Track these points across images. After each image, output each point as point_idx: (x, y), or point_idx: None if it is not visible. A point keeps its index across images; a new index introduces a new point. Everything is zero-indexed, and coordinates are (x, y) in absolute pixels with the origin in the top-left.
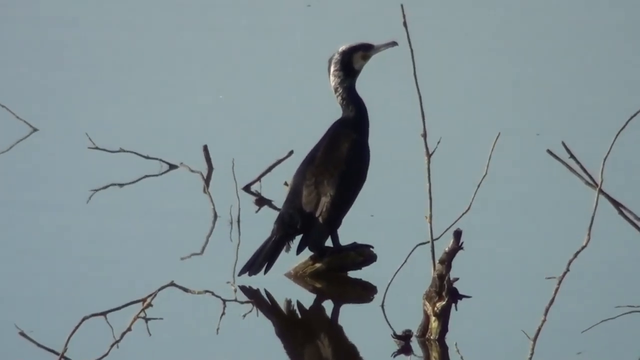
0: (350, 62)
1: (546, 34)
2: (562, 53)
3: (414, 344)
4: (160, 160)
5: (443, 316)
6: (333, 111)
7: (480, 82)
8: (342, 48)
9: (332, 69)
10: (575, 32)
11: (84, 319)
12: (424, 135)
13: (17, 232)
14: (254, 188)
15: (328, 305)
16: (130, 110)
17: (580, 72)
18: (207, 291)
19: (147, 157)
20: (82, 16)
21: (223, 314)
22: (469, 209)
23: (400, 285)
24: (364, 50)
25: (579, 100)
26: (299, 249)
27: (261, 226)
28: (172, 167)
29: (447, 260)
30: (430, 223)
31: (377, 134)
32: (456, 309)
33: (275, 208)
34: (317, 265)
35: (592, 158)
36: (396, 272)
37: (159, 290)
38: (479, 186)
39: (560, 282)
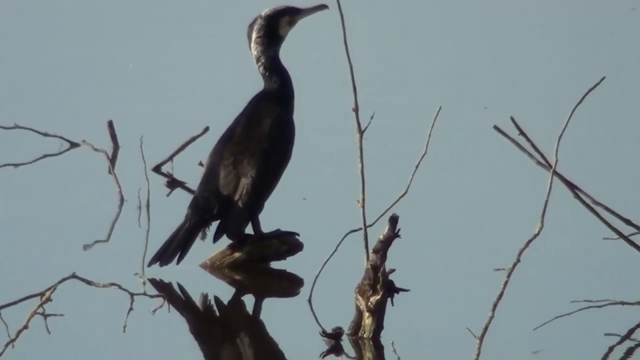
0: (276, 28)
1: (496, 4)
2: (518, 26)
3: (345, 342)
4: (60, 137)
5: (378, 312)
6: (254, 82)
7: (421, 53)
8: (265, 12)
9: (254, 35)
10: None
11: None
12: (356, 110)
13: None
14: (165, 168)
15: (249, 300)
16: (26, 83)
17: (534, 46)
18: (112, 284)
19: (46, 135)
20: None
21: (131, 309)
22: (406, 192)
23: (330, 278)
24: (291, 15)
25: (530, 74)
26: (216, 237)
27: (173, 211)
28: (73, 145)
29: (382, 249)
30: (363, 208)
31: (304, 109)
32: (392, 304)
33: (189, 191)
34: (237, 254)
35: (546, 136)
36: (325, 263)
37: (59, 282)
38: (417, 167)
39: (509, 274)
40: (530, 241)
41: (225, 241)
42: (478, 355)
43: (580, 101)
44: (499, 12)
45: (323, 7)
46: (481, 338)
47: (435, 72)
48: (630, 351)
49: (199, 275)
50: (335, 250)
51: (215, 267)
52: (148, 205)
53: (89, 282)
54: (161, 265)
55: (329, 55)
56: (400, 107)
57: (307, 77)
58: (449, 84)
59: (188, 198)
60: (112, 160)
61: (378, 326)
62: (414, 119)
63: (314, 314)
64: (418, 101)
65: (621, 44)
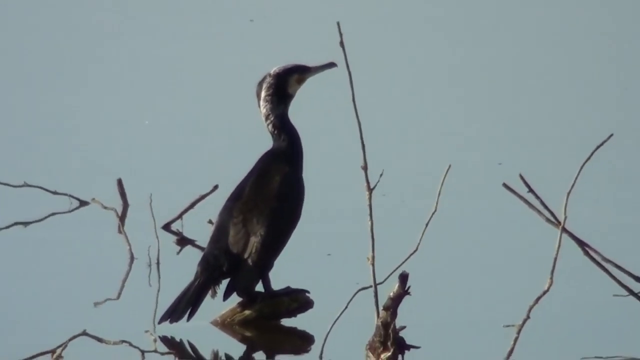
0: (285, 86)
1: (505, 61)
2: (525, 81)
3: None
4: (70, 195)
5: None
6: (263, 141)
7: (431, 110)
8: (275, 70)
9: (263, 93)
10: (541, 59)
11: None
12: (365, 168)
13: None
14: (174, 226)
15: (260, 357)
16: (35, 140)
17: (543, 102)
18: (123, 341)
19: (55, 193)
20: None
21: None
22: (416, 249)
23: (341, 335)
24: (300, 73)
25: (540, 130)
26: (226, 295)
27: (183, 269)
28: (82, 203)
29: (393, 306)
30: (373, 265)
31: (312, 167)
32: None
33: (199, 248)
34: (247, 312)
35: (554, 192)
36: (336, 320)
37: (70, 340)
38: (427, 224)
39: (519, 330)
40: (539, 297)
41: (235, 299)
42: None
43: (589, 158)
44: (510, 66)
45: (332, 65)
46: None
47: (448, 126)
48: None
49: (210, 332)
50: (346, 307)
51: (225, 324)
52: (158, 263)
53: (99, 340)
54: (171, 322)
55: (338, 113)
56: (412, 164)
57: (317, 134)
58: (461, 140)
59: (198, 256)
60: (122, 218)
61: None
62: (426, 176)
63: None
64: (429, 158)
65: (636, 100)
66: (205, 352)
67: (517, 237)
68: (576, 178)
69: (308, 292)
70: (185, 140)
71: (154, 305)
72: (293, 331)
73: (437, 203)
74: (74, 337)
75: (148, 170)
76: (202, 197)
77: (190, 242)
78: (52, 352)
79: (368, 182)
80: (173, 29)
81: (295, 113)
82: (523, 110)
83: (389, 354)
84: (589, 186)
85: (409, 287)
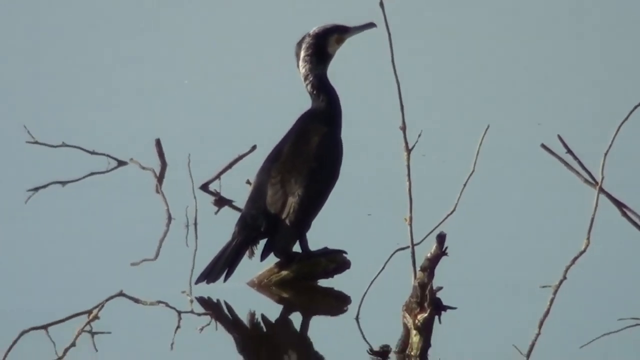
0: (324, 46)
1: (545, 23)
2: (562, 41)
3: None
4: (108, 155)
5: (425, 330)
6: (302, 101)
7: (471, 70)
8: (314, 30)
9: (302, 53)
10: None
11: (22, 333)
12: (403, 128)
13: None
14: (212, 187)
15: (296, 318)
16: (73, 100)
17: (582, 63)
18: (160, 302)
19: (93, 153)
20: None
21: (178, 327)
22: (454, 210)
23: (377, 296)
24: (340, 33)
25: (578, 91)
26: (264, 255)
27: (221, 229)
28: (120, 163)
29: (430, 267)
30: (411, 226)
31: (351, 127)
32: (440, 322)
33: (236, 209)
34: (284, 272)
35: (592, 153)
36: (372, 281)
37: (107, 300)
38: (465, 185)
39: (556, 291)
40: (576, 258)
41: (272, 259)
42: None
43: (627, 118)
44: (552, 29)
45: (371, 25)
46: (528, 355)
47: (489, 89)
48: None
49: (247, 293)
50: (383, 268)
51: (262, 285)
52: (196, 224)
53: (136, 300)
54: (208, 283)
55: (378, 73)
56: (452, 125)
57: (355, 96)
58: (502, 101)
59: (235, 216)
60: (160, 178)
61: (425, 344)
62: (465, 137)
63: (361, 331)
64: (469, 118)
65: None
66: (242, 313)
67: (555, 198)
68: (613, 138)
69: (345, 252)
70: (224, 100)
71: (191, 266)
72: (330, 292)
73: (474, 164)
74: (111, 297)
75: (186, 131)
76: (240, 157)
77: (228, 202)
78: (89, 312)
79: (406, 143)
80: None
81: (335, 73)
82: (561, 71)
83: (426, 314)
84: (628, 147)
85: (446, 248)
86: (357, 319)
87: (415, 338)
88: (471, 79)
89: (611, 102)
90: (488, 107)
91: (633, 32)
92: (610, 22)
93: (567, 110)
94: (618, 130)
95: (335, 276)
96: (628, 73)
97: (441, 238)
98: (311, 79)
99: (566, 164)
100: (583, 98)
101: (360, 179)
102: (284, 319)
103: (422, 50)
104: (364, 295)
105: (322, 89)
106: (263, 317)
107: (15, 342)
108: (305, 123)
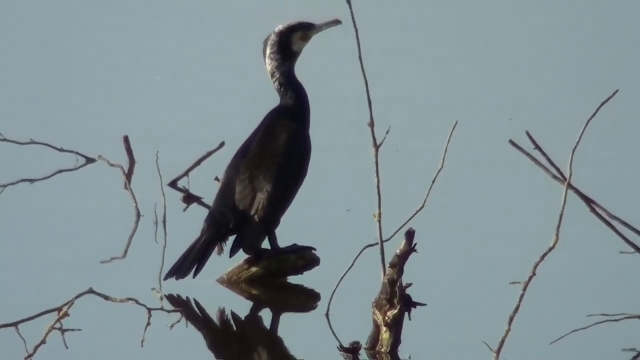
0: (289, 44)
1: (516, 18)
2: (534, 37)
3: (363, 357)
4: (76, 153)
5: (395, 326)
6: (271, 98)
7: (442, 66)
8: (279, 28)
9: (268, 51)
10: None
11: None
12: (371, 125)
13: None
14: (181, 184)
15: (266, 315)
16: (41, 97)
17: (548, 57)
18: (130, 299)
19: (62, 150)
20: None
21: (148, 324)
22: (423, 206)
23: (347, 292)
24: (304, 30)
25: (547, 87)
26: (233, 252)
27: (190, 226)
28: (89, 160)
29: (399, 264)
30: (380, 222)
31: (319, 124)
32: (410, 319)
33: (205, 206)
34: (254, 269)
35: (563, 150)
36: (342, 278)
37: (77, 298)
38: (434, 181)
39: (525, 287)
40: (545, 255)
41: (242, 256)
42: None
43: (595, 114)
44: (523, 25)
45: (337, 22)
46: (498, 352)
47: (457, 84)
48: None
49: (216, 290)
50: (353, 265)
51: (232, 282)
52: (165, 221)
53: (106, 297)
54: (177, 279)
55: (345, 70)
56: (420, 121)
57: (322, 93)
58: (472, 96)
59: (204, 213)
60: (129, 175)
61: (396, 340)
62: (435, 133)
63: (331, 328)
64: (439, 114)
65: None
66: (212, 309)
67: (524, 195)
68: (581, 135)
69: (314, 249)
70: (192, 97)
71: (160, 263)
72: (300, 289)
73: (443, 160)
74: (81, 294)
75: (155, 128)
76: (209, 154)
77: (197, 199)
78: (59, 310)
79: (375, 139)
80: None
81: (303, 70)
82: (531, 68)
83: (396, 311)
84: (596, 143)
85: (415, 244)
86: (327, 315)
87: (385, 335)
88: (442, 74)
89: (584, 99)
90: (458, 103)
91: (605, 29)
92: (582, 18)
93: (539, 106)
94: (586, 126)
95: (305, 273)
96: (599, 69)
97: (410, 235)
98: (278, 76)
99: (535, 160)
100: (555, 94)
101: (332, 175)
102: (254, 316)
103: (394, 46)
104: (334, 292)
105: (290, 86)
106: (233, 314)
107: None
108: (273, 120)
